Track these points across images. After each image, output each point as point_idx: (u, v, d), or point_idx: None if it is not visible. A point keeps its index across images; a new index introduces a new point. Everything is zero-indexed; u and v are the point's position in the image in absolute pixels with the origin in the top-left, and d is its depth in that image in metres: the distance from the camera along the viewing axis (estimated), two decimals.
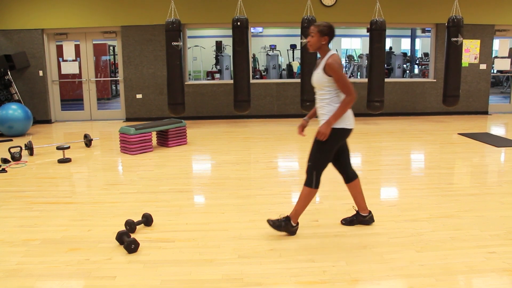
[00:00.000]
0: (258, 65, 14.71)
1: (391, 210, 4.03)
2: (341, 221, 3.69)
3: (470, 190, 4.59)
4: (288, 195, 4.58)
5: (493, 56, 10.49)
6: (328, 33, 3.32)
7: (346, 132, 3.33)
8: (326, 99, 3.30)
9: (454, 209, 4.00)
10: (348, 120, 3.31)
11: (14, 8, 9.19)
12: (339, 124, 3.27)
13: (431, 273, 2.81)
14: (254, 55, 14.77)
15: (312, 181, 3.32)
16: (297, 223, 3.46)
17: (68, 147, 6.12)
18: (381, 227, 3.62)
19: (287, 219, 3.42)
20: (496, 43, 10.34)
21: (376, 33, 8.58)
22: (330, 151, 3.33)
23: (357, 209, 3.67)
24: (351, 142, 7.16)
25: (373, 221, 3.67)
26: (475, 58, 9.85)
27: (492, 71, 10.41)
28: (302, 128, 3.59)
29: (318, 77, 3.30)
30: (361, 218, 3.65)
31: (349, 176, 3.57)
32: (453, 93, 8.92)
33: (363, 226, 3.64)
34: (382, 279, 2.77)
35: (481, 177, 5.11)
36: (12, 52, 9.19)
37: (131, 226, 3.54)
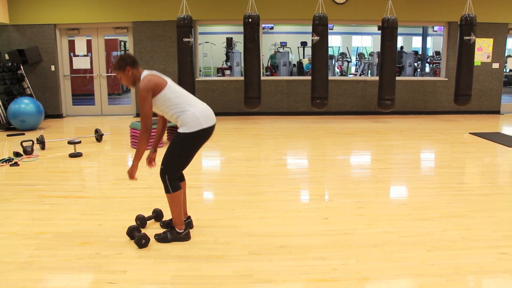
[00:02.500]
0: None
1: (402, 209, 4.01)
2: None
3: (481, 190, 4.56)
4: (297, 192, 4.58)
5: (506, 55, 10.37)
6: (126, 63, 3.12)
7: (197, 135, 3.13)
8: (169, 111, 3.15)
9: (465, 209, 3.97)
10: (198, 123, 3.11)
11: (27, 3, 9.26)
12: (186, 129, 3.10)
13: (442, 273, 2.80)
14: (275, 52, 14.70)
15: (167, 186, 3.19)
16: (185, 227, 3.34)
17: (79, 142, 6.16)
18: (391, 225, 3.60)
19: (171, 228, 3.32)
20: (510, 42, 10.23)
21: (388, 31, 8.52)
22: (186, 157, 3.21)
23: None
24: (362, 140, 7.14)
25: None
26: (487, 57, 9.75)
27: (504, 70, 10.30)
28: (149, 160, 3.43)
29: None
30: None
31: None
32: (465, 92, 8.84)
33: (374, 224, 3.63)
34: (392, 278, 2.76)
35: (493, 177, 5.06)
36: (24, 47, 9.26)
37: (141, 221, 3.56)
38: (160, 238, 3.29)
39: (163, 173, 3.21)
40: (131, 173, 3.20)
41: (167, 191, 3.23)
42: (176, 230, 3.30)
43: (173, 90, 3.15)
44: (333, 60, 13.76)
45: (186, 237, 3.32)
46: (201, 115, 3.15)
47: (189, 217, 3.57)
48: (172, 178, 3.21)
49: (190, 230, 3.45)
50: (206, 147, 6.63)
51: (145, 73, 3.16)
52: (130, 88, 3.26)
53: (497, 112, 10.07)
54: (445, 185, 4.73)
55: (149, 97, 3.05)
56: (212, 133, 3.28)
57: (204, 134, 3.19)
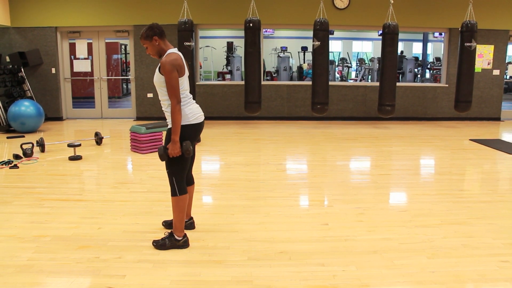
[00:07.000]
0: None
1: (402, 215, 4.00)
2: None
3: (482, 197, 4.54)
4: (297, 197, 4.57)
5: (507, 61, 10.39)
6: (154, 33, 3.16)
7: (191, 128, 3.19)
8: (166, 100, 3.15)
9: (465, 216, 3.96)
10: (189, 117, 3.18)
11: (28, 6, 9.27)
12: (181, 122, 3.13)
13: (442, 281, 2.78)
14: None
15: (175, 189, 3.19)
16: (184, 235, 3.29)
17: (79, 145, 6.15)
18: (391, 232, 3.59)
19: (170, 235, 3.28)
20: (511, 49, 10.24)
21: (389, 37, 8.53)
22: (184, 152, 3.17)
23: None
24: (362, 146, 7.13)
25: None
26: (488, 64, 9.77)
27: (505, 77, 10.31)
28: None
29: (156, 76, 3.15)
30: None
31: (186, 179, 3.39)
32: (465, 99, 8.84)
33: (374, 230, 3.61)
34: (392, 285, 2.75)
35: (493, 184, 5.06)
36: (25, 49, 9.26)
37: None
38: (158, 245, 3.27)
39: (170, 176, 3.22)
40: (175, 151, 3.09)
41: (173, 193, 3.22)
42: (175, 237, 3.27)
43: (182, 83, 3.17)
44: (334, 65, 13.77)
45: (184, 244, 3.29)
46: (189, 112, 3.20)
47: (192, 218, 3.59)
48: (180, 181, 3.21)
49: (191, 233, 3.44)
50: (206, 151, 6.62)
51: (173, 50, 3.20)
52: (155, 58, 3.27)
53: (498, 119, 10.07)
54: (445, 192, 4.72)
55: (175, 71, 3.06)
56: (201, 130, 3.32)
57: (191, 129, 3.20)
